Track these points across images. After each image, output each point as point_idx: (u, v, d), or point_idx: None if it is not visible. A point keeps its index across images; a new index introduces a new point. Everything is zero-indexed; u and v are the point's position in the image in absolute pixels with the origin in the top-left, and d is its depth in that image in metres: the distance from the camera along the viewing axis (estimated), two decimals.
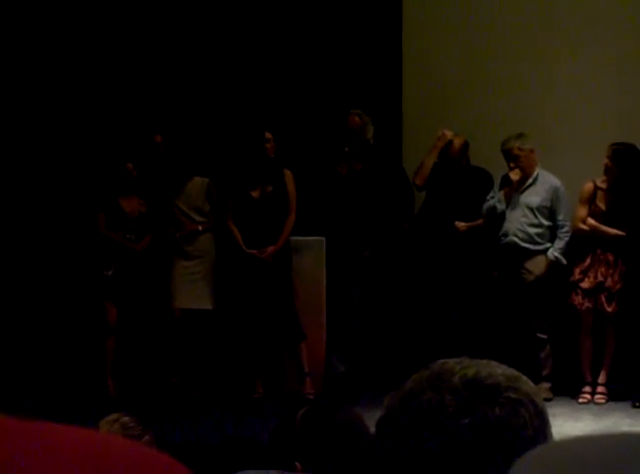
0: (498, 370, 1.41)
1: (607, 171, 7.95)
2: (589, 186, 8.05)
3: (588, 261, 7.97)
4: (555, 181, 8.13)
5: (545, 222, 8.12)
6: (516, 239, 8.10)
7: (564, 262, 8.08)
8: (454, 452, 1.34)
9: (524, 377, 1.43)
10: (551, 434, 1.39)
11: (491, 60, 8.88)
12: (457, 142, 8.44)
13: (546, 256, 8.08)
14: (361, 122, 8.34)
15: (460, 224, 8.33)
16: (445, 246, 8.33)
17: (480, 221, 8.34)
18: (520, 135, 8.09)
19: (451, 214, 8.35)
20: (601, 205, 8.01)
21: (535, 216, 8.11)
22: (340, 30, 9.12)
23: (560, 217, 8.09)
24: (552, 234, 8.13)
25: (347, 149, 8.35)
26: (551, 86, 8.73)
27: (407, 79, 9.08)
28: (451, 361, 1.43)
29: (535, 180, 8.15)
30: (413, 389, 1.41)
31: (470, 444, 1.34)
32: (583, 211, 8.04)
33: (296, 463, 2.72)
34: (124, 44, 9.29)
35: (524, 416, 1.36)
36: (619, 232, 7.88)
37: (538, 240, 8.10)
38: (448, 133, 8.42)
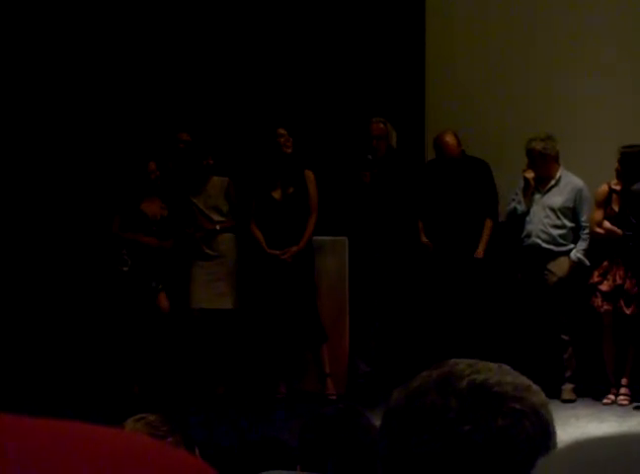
0: (508, 378, 1.38)
1: (618, 174, 7.90)
2: (603, 188, 7.99)
3: (606, 263, 7.93)
4: (578, 182, 8.09)
5: (568, 223, 8.08)
6: (538, 240, 8.07)
7: (587, 263, 8.04)
8: (451, 458, 1.32)
9: (535, 387, 1.40)
10: (555, 447, 1.36)
11: (513, 67, 8.85)
12: (451, 140, 8.29)
13: (569, 257, 8.05)
14: (386, 129, 8.40)
15: (478, 251, 8.28)
16: (466, 248, 8.30)
17: (487, 235, 8.28)
18: (547, 138, 8.02)
19: (456, 209, 8.29)
20: (616, 208, 7.95)
21: (558, 217, 8.08)
22: (363, 36, 9.12)
23: (583, 218, 8.06)
24: (575, 235, 8.09)
25: (370, 157, 8.38)
26: (574, 88, 8.69)
27: (430, 85, 9.07)
28: (463, 363, 1.40)
29: (558, 181, 8.11)
30: (419, 387, 1.38)
31: (468, 452, 1.32)
32: (598, 214, 7.99)
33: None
34: (144, 44, 9.32)
35: (527, 428, 1.34)
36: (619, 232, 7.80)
37: (561, 241, 8.07)
38: None
